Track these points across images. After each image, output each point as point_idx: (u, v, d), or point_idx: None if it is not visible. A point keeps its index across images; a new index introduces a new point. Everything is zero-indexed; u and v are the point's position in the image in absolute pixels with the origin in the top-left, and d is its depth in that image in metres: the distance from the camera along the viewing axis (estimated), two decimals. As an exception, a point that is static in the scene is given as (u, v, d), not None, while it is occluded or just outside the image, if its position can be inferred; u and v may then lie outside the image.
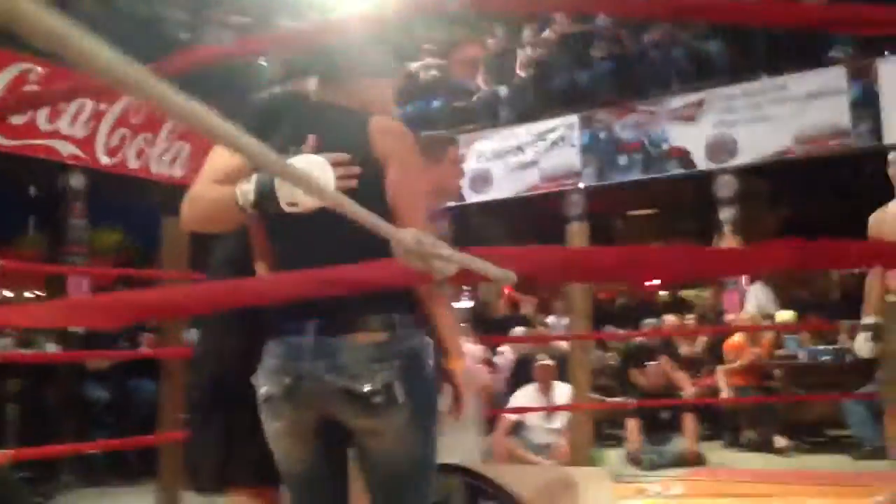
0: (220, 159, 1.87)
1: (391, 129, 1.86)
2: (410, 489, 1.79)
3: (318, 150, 1.73)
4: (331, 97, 1.93)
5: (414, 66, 11.27)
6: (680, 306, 9.97)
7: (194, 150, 8.44)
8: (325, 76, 1.97)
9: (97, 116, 7.49)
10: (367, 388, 1.68)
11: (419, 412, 1.74)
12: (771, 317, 7.43)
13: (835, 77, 8.26)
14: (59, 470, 6.39)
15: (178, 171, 8.26)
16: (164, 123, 8.13)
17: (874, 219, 4.32)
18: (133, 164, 7.89)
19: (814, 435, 6.63)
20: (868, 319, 4.24)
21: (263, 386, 1.76)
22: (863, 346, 4.27)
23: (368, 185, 1.72)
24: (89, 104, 7.26)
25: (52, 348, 6.53)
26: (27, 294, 10.29)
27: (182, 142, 8.32)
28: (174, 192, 8.20)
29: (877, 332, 4.17)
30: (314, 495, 1.87)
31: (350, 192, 1.64)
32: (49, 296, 8.28)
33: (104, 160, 7.60)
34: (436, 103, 11.09)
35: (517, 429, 5.82)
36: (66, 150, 7.26)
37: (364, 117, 1.85)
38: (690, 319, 8.83)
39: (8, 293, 10.29)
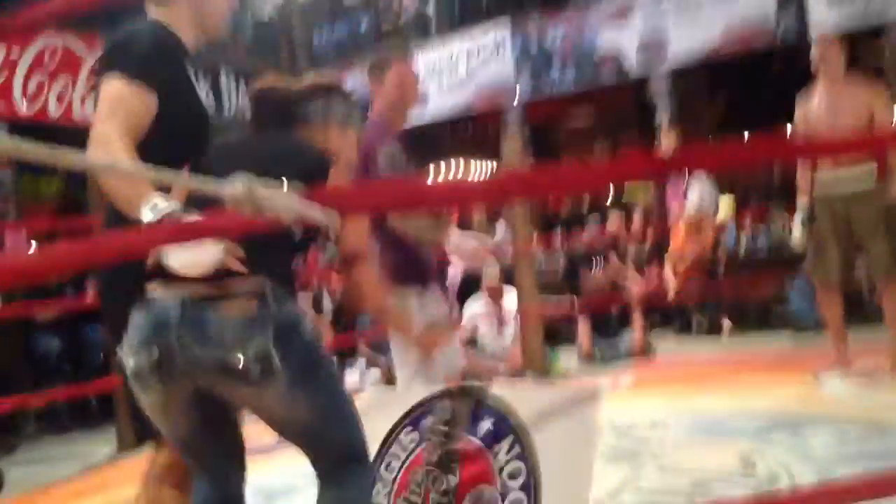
0: (133, 115, 1.82)
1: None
2: (316, 440, 1.80)
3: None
4: None
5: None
6: (625, 203, 10.11)
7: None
8: None
9: (9, 65, 7.20)
10: (239, 360, 1.62)
11: (299, 373, 1.70)
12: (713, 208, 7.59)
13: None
14: (22, 422, 6.37)
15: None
16: (82, 65, 7.85)
17: (799, 107, 4.41)
18: (55, 110, 7.62)
19: (761, 315, 6.86)
20: (801, 203, 4.38)
21: (130, 359, 1.67)
22: (798, 234, 4.41)
23: None
24: (-1, 53, 6.98)
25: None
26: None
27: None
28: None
29: (807, 213, 4.32)
30: (202, 456, 1.86)
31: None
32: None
33: (24, 109, 7.34)
34: (363, 25, 10.88)
35: (472, 340, 5.94)
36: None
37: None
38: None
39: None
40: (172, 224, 1.53)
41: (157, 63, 1.88)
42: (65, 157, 1.11)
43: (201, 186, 1.16)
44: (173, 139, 1.85)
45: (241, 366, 1.61)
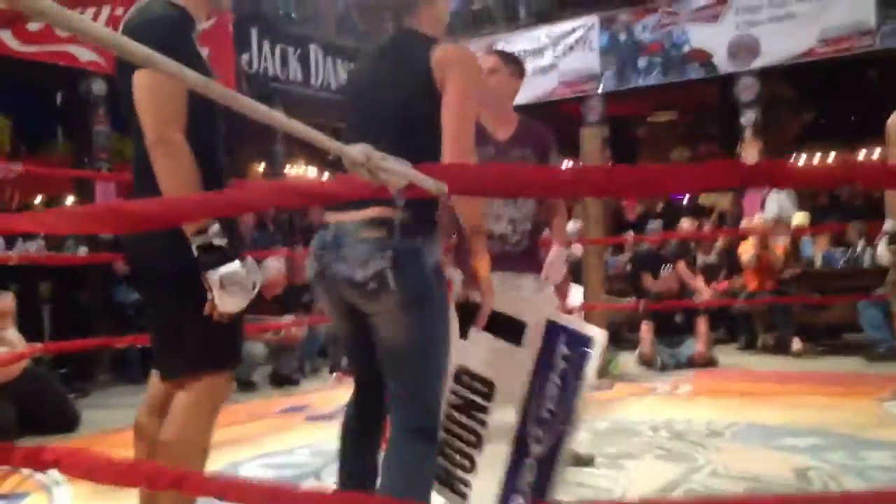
0: (178, 101, 1.96)
1: (449, 57, 2.02)
2: (408, 366, 2.03)
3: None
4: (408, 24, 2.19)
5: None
6: (698, 211, 9.98)
7: (212, 55, 8.43)
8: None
9: (114, 20, 7.45)
10: (360, 276, 1.96)
11: (411, 299, 1.97)
12: (789, 221, 7.46)
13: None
14: (95, 368, 6.67)
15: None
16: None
17: (891, 121, 4.29)
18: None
19: (831, 338, 6.74)
20: (889, 225, 4.26)
21: (310, 269, 2.11)
22: (883, 252, 4.30)
23: (424, 118, 2.00)
24: (106, 8, 7.22)
25: (83, 251, 6.69)
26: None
27: (201, 46, 8.28)
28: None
29: (893, 236, 4.21)
30: (358, 361, 2.24)
31: (408, 124, 2.03)
32: (79, 201, 8.45)
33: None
34: (453, 4, 10.92)
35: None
36: (85, 56, 7.27)
37: (429, 46, 2.05)
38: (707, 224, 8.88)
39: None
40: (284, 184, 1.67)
41: (183, 46, 1.99)
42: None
43: (327, 144, 1.25)
44: (199, 117, 2.00)
45: (360, 280, 1.96)
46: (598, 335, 2.21)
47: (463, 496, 2.41)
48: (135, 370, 6.41)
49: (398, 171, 1.22)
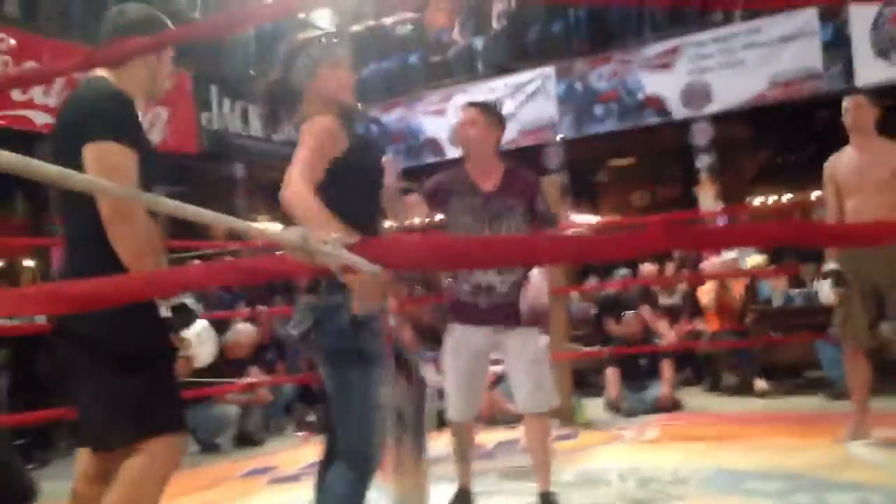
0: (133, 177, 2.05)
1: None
2: (339, 409, 2.32)
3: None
4: None
5: (389, 21, 11.24)
6: (660, 254, 10.07)
7: (172, 116, 8.45)
8: None
9: (71, 84, 7.44)
10: (295, 332, 2.34)
11: (331, 351, 2.29)
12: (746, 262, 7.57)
13: (807, 20, 8.31)
14: (55, 436, 6.51)
15: (157, 137, 8.26)
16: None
17: (828, 165, 4.43)
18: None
19: (792, 377, 6.80)
20: (830, 265, 4.37)
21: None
22: (825, 291, 4.40)
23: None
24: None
25: (40, 318, 6.57)
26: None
27: (160, 107, 8.31)
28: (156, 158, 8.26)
29: (836, 278, 4.30)
30: (324, 414, 2.57)
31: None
32: (38, 264, 8.33)
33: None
34: (412, 58, 11.07)
35: (498, 380, 5.97)
36: (41, 119, 7.24)
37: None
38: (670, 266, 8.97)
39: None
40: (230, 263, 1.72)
41: (135, 124, 2.13)
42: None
43: (265, 234, 1.28)
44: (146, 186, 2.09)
45: (298, 337, 2.32)
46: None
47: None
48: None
49: (333, 255, 1.23)
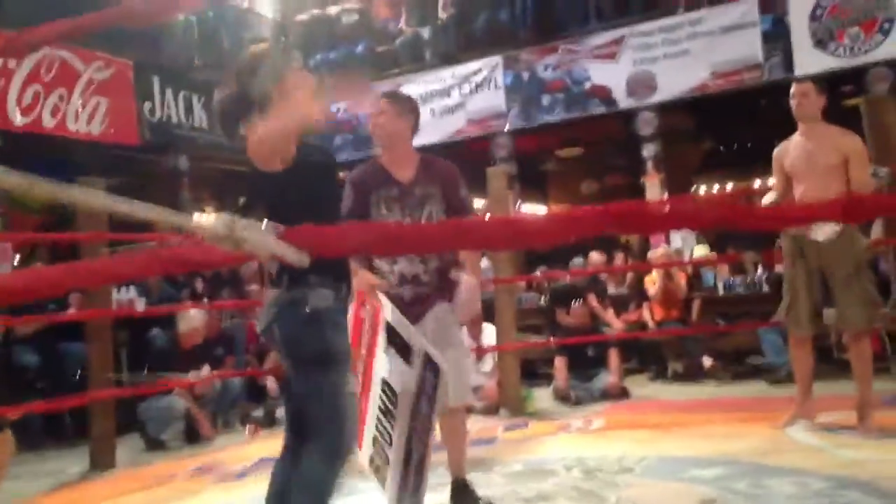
0: None
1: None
2: (308, 403, 2.41)
3: None
4: None
5: (334, 10, 11.13)
6: (608, 243, 10.19)
7: (112, 106, 8.27)
8: None
9: (5, 74, 7.25)
10: (259, 329, 2.45)
11: (292, 345, 2.37)
12: (691, 251, 7.71)
13: (747, 10, 8.43)
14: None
15: (96, 127, 8.08)
16: (77, 78, 7.92)
17: (776, 152, 4.49)
18: (49, 122, 7.69)
19: (737, 364, 6.93)
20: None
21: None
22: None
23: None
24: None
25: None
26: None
27: (98, 97, 8.12)
28: (93, 149, 8.08)
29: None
30: (287, 408, 2.63)
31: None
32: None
33: (18, 119, 7.39)
34: (359, 48, 10.99)
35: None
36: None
37: None
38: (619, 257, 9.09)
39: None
40: (151, 252, 1.66)
41: None
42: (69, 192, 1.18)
43: (180, 221, 1.25)
44: None
45: (260, 332, 2.43)
46: (445, 365, 2.64)
47: (383, 483, 2.83)
48: (37, 437, 6.14)
49: (260, 243, 1.21)
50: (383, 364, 2.80)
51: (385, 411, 2.80)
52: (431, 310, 3.22)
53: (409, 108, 3.35)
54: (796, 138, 4.40)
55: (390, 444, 2.77)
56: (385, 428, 2.81)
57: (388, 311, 2.89)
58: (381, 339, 2.87)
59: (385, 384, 2.80)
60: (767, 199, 4.51)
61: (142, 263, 1.58)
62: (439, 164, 3.38)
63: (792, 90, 4.40)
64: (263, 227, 1.28)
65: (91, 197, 1.25)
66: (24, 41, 1.99)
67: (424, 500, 2.82)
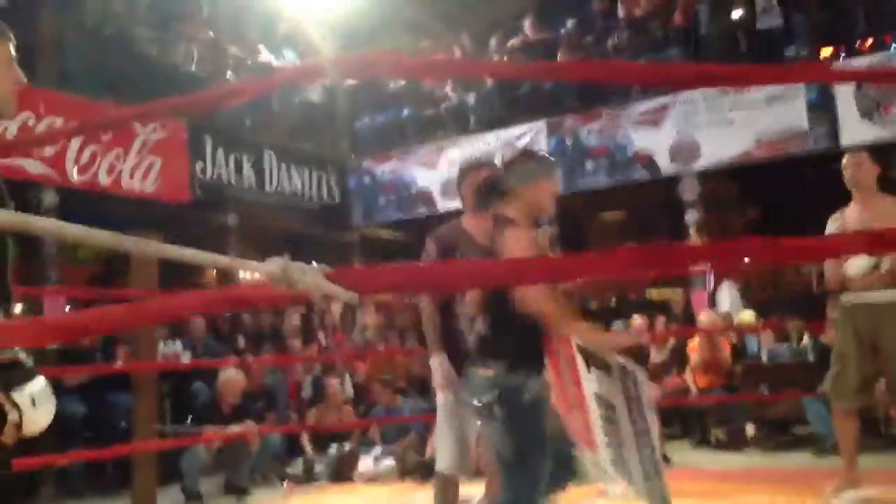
0: None
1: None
2: (506, 474, 2.79)
3: None
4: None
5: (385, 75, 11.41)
6: (650, 307, 10.14)
7: (164, 164, 8.53)
8: None
9: (65, 134, 7.54)
10: (476, 403, 2.84)
11: (511, 425, 2.75)
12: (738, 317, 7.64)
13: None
14: (39, 484, 6.46)
15: (150, 186, 8.34)
16: (134, 139, 8.21)
17: (832, 221, 4.42)
18: (105, 179, 7.95)
19: (781, 433, 6.80)
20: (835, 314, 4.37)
21: None
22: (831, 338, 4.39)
23: None
24: (58, 121, 7.31)
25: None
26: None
27: (153, 156, 8.40)
28: (146, 205, 8.32)
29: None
30: None
31: None
32: (27, 313, 8.32)
33: (75, 178, 7.66)
34: (406, 111, 11.25)
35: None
36: (36, 169, 7.32)
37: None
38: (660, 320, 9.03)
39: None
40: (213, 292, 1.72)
41: None
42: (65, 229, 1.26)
43: (242, 266, 1.33)
44: None
45: (478, 406, 2.82)
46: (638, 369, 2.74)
47: (629, 476, 3.00)
48: (80, 485, 6.23)
49: (312, 284, 1.29)
50: (591, 382, 3.00)
51: (607, 418, 3.01)
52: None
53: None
54: (853, 207, 4.29)
55: (622, 445, 2.97)
56: (613, 430, 3.01)
57: (575, 339, 3.04)
58: (580, 362, 3.00)
59: (598, 397, 2.99)
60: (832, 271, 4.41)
61: (204, 301, 1.64)
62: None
63: (845, 161, 4.33)
64: (314, 267, 1.35)
65: (145, 245, 1.33)
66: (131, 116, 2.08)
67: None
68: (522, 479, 2.76)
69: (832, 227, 4.37)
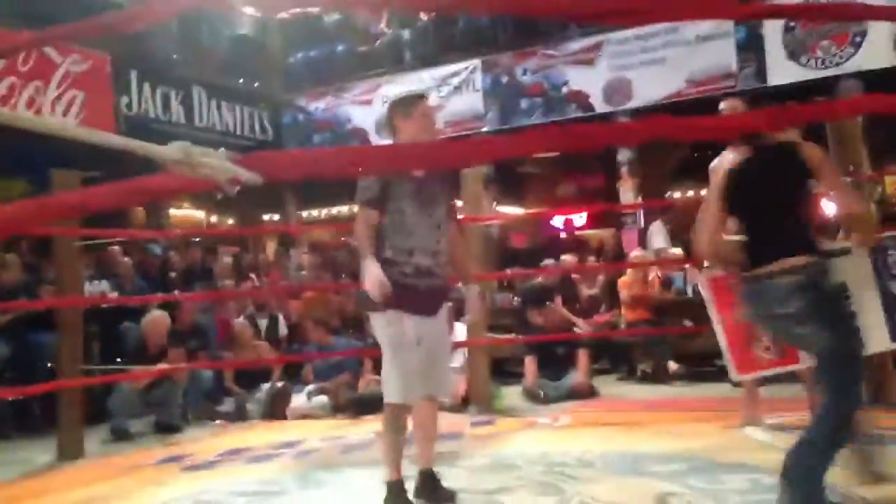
0: None
1: None
2: (831, 374, 2.73)
3: None
4: None
5: (316, 9, 11.15)
6: (582, 247, 10.30)
7: (88, 98, 8.26)
8: None
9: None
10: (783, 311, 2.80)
11: (819, 318, 2.76)
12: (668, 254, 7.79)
13: (722, 20, 8.55)
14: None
15: (72, 120, 8.07)
16: (54, 70, 7.91)
17: (712, 167, 4.54)
18: (25, 113, 7.66)
19: (703, 365, 7.01)
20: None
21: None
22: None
23: None
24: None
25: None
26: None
27: (75, 90, 8.12)
28: (67, 141, 8.08)
29: None
30: None
31: None
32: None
33: (-7, 111, 7.34)
34: (340, 47, 11.04)
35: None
36: None
37: None
38: (592, 260, 9.19)
39: None
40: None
41: None
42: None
43: (140, 149, 1.29)
44: None
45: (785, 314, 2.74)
46: None
47: None
48: (5, 426, 6.14)
49: (217, 166, 1.27)
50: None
51: None
52: (443, 305, 3.41)
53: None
54: (727, 154, 4.38)
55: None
56: None
57: None
58: None
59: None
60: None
61: (114, 192, 1.57)
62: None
63: (721, 106, 4.46)
64: (220, 151, 1.33)
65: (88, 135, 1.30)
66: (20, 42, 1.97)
67: None
68: (848, 372, 2.68)
69: (712, 171, 4.49)
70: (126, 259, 7.68)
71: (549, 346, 6.49)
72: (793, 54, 8.35)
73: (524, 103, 9.72)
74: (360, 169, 1.70)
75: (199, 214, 12.56)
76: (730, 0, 2.19)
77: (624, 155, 9.23)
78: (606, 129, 2.36)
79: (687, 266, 7.45)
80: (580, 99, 9.39)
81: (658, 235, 8.83)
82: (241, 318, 7.41)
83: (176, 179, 1.33)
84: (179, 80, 9.66)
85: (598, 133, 1.59)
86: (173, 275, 8.22)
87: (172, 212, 11.33)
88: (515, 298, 8.09)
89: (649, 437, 4.47)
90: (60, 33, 2.00)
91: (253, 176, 1.31)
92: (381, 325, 3.33)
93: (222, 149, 1.30)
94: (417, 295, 3.27)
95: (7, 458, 5.32)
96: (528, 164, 12.72)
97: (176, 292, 7.55)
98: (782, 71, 8.35)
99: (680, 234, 8.96)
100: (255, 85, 11.06)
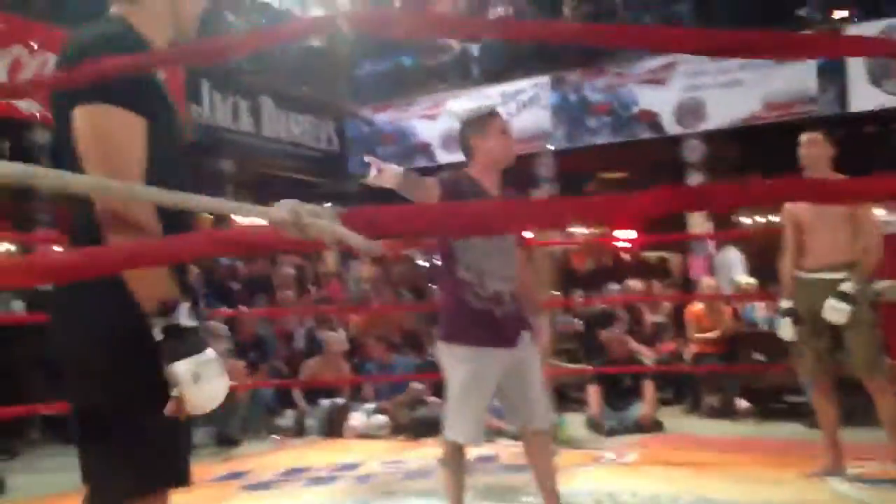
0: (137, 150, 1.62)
1: None
2: None
3: None
4: None
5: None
6: (647, 271, 10.08)
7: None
8: None
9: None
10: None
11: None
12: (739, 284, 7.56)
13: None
14: (27, 427, 6.41)
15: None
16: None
17: (786, 207, 4.38)
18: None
19: (774, 402, 6.77)
20: (785, 303, 4.35)
21: None
22: (785, 329, 4.37)
23: None
24: (51, 57, 7.05)
25: (18, 307, 6.48)
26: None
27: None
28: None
29: (793, 316, 4.29)
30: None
31: None
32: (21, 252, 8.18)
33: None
34: (407, 60, 11.03)
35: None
36: (27, 108, 7.14)
37: None
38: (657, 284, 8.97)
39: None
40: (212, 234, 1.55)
41: (143, 82, 1.64)
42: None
43: (250, 212, 1.22)
44: (159, 163, 1.63)
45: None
46: None
47: None
48: (67, 430, 6.17)
49: (326, 230, 1.18)
50: None
51: None
52: (523, 333, 3.21)
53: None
54: None
55: None
56: None
57: None
58: None
59: None
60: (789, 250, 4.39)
61: (211, 241, 1.49)
62: (510, 185, 3.40)
63: (801, 139, 4.29)
64: (328, 209, 1.23)
65: (157, 195, 1.23)
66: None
67: None
68: None
69: (787, 208, 4.37)
70: (193, 268, 7.72)
71: (614, 375, 6.32)
72: (875, 79, 8.05)
73: (592, 122, 9.56)
74: (462, 227, 1.58)
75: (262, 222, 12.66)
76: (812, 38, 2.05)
77: (693, 178, 9.00)
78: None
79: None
80: (650, 119, 9.20)
81: (736, 265, 8.60)
82: (333, 333, 7.27)
83: (281, 238, 1.24)
84: (248, 90, 9.74)
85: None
86: (236, 286, 8.24)
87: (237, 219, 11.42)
88: (578, 321, 7.93)
89: (722, 481, 4.28)
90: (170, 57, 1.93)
91: (367, 244, 1.22)
92: (454, 362, 3.19)
93: (329, 205, 1.22)
94: (495, 324, 3.12)
95: (68, 463, 5.32)
96: (594, 183, 12.53)
97: (238, 304, 7.55)
98: (864, 96, 8.06)
99: (750, 262, 8.72)
100: (322, 96, 11.10)
